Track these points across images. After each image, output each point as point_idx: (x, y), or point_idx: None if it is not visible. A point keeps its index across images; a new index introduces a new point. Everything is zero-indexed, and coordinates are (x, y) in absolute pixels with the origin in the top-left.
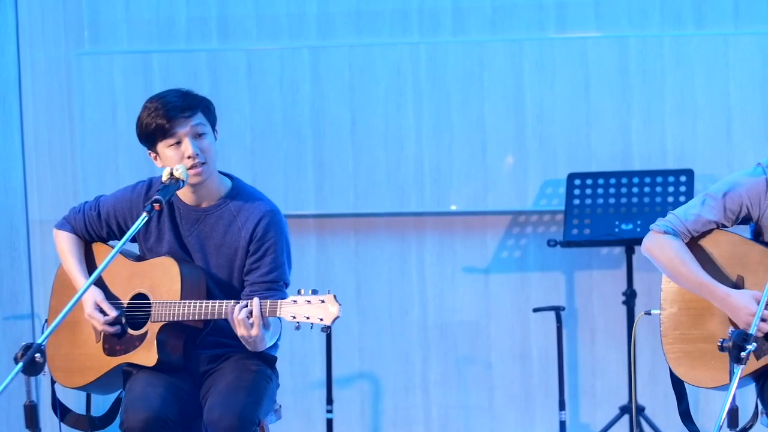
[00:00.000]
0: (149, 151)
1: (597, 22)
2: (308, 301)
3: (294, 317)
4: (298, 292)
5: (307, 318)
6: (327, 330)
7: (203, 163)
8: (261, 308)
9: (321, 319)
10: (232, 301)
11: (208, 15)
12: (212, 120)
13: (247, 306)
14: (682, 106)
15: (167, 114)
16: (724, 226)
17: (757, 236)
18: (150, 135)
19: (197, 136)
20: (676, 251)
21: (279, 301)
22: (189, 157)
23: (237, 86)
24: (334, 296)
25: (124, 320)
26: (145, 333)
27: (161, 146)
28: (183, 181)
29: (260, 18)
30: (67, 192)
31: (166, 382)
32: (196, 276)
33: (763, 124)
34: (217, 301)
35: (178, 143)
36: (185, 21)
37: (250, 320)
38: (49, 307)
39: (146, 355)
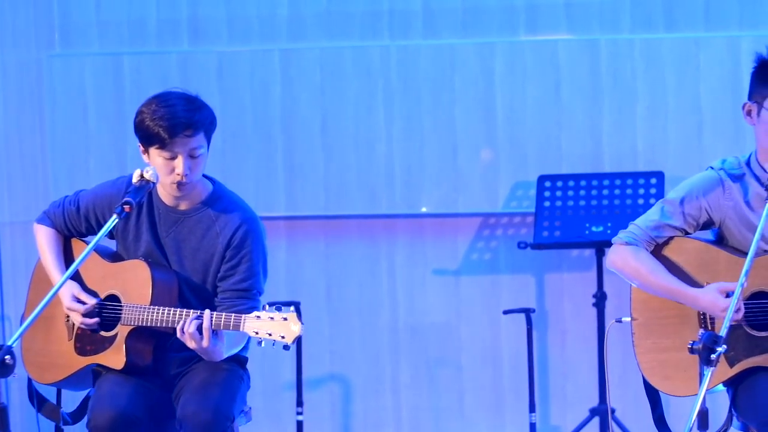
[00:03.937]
0: (139, 144)
1: (568, 24)
2: (271, 318)
3: (256, 333)
4: (263, 308)
5: (269, 335)
6: (287, 349)
7: (188, 183)
8: (225, 320)
9: (282, 337)
10: (206, 310)
11: (178, 17)
12: (211, 135)
13: (199, 318)
14: (653, 108)
15: (170, 129)
16: (686, 232)
17: (721, 240)
18: (147, 138)
19: (192, 156)
20: (642, 261)
21: (243, 315)
22: (178, 174)
23: (207, 88)
24: (297, 314)
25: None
26: (115, 335)
27: (154, 152)
28: (153, 182)
29: (231, 20)
30: (38, 194)
31: (135, 383)
32: (168, 281)
33: (733, 126)
34: (185, 310)
35: (172, 158)
36: (156, 23)
37: (200, 332)
38: (26, 301)
39: (115, 357)
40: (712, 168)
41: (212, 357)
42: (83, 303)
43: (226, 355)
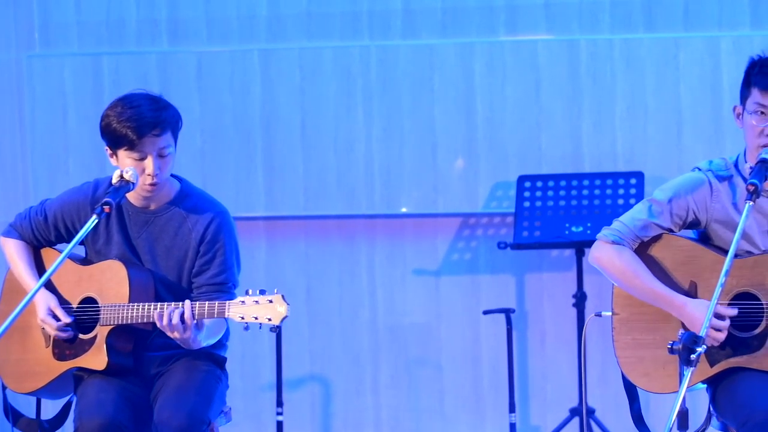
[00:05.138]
0: (107, 147)
1: (547, 24)
2: (256, 302)
3: (242, 317)
4: (247, 293)
5: (256, 318)
6: (275, 330)
7: (159, 182)
8: (209, 308)
9: (269, 319)
10: (181, 303)
11: (158, 17)
12: (177, 133)
13: (180, 309)
14: (633, 109)
15: (138, 130)
16: (671, 230)
17: (705, 240)
18: (115, 140)
19: (161, 156)
20: (627, 262)
21: (227, 301)
22: (149, 175)
23: (187, 88)
24: (282, 296)
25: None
26: (95, 337)
27: (123, 153)
28: (133, 183)
29: (210, 20)
30: (18, 195)
31: (119, 387)
32: (145, 279)
33: (713, 126)
34: (166, 303)
35: (142, 159)
36: (135, 23)
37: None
38: None
39: (96, 359)
40: (699, 169)
41: (191, 346)
42: (58, 319)
43: (204, 344)
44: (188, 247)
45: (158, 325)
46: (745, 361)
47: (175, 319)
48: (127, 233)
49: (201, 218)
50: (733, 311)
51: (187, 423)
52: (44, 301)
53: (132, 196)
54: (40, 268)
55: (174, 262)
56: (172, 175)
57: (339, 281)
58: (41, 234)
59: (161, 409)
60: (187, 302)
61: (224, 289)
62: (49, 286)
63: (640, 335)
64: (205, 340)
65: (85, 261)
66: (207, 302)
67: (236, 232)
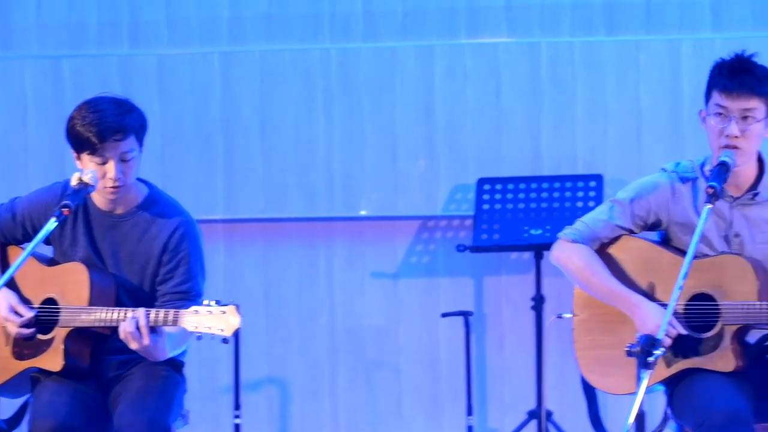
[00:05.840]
0: (72, 150)
1: (508, 27)
2: (210, 312)
3: (196, 327)
4: (202, 302)
5: (209, 328)
6: (226, 342)
7: (121, 186)
8: (164, 316)
9: (222, 330)
10: (141, 308)
11: (119, 20)
12: (142, 137)
13: (134, 318)
14: (593, 111)
15: (100, 134)
16: (632, 232)
17: (666, 242)
18: (78, 144)
19: (123, 160)
20: (587, 261)
21: (181, 310)
22: (110, 179)
23: (147, 91)
24: (236, 307)
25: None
26: (53, 338)
27: (86, 157)
28: (92, 186)
29: (171, 23)
30: None
31: (73, 389)
32: (107, 283)
33: (672, 128)
34: (125, 308)
35: (104, 163)
36: (96, 26)
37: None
38: None
39: (52, 360)
40: (664, 170)
41: (156, 356)
42: (20, 315)
43: (171, 354)
44: (151, 254)
45: (120, 337)
46: (700, 362)
47: (131, 327)
48: (92, 236)
49: (165, 226)
50: (683, 331)
51: (148, 429)
52: (5, 299)
53: (98, 200)
54: (5, 265)
55: (137, 268)
56: (141, 181)
57: (297, 284)
58: (8, 231)
59: (121, 414)
60: (141, 309)
61: (188, 298)
62: (11, 285)
63: (599, 336)
64: (171, 350)
65: (51, 262)
66: (162, 310)
67: (202, 242)
